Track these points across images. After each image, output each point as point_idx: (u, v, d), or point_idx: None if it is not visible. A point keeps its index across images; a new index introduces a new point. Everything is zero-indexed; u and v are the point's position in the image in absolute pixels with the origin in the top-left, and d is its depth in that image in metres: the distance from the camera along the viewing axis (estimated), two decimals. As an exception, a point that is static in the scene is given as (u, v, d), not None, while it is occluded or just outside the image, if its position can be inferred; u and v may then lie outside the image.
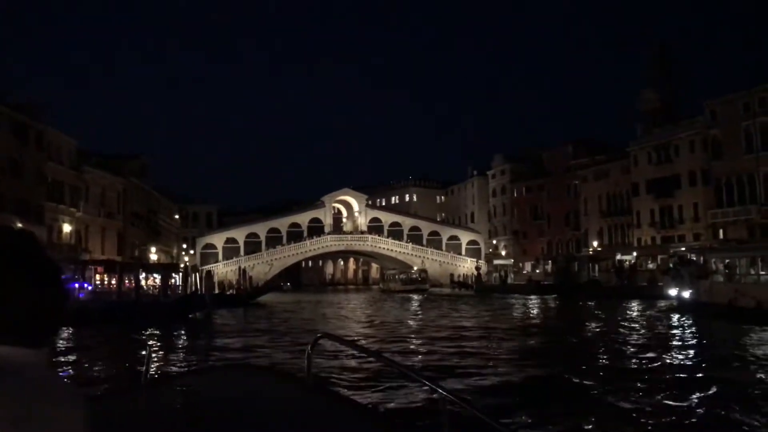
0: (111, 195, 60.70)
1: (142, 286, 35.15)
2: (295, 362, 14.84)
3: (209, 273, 43.55)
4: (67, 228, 50.87)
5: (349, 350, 13.67)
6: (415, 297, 59.26)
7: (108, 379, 13.84)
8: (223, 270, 77.24)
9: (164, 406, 2.44)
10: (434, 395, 2.45)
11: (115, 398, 3.01)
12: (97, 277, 37.31)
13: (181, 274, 43.02)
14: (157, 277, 37.99)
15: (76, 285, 33.08)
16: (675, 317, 30.56)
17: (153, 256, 57.67)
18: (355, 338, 21.75)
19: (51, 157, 48.98)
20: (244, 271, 59.56)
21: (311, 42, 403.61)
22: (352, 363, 14.53)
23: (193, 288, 51.92)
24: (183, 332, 25.19)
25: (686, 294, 32.66)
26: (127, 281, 40.56)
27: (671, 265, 40.22)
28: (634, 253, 45.18)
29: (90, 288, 33.42)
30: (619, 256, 46.29)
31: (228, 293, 50.23)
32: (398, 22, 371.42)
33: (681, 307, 32.66)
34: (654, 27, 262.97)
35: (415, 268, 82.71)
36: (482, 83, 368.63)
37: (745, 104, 54.90)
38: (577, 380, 13.63)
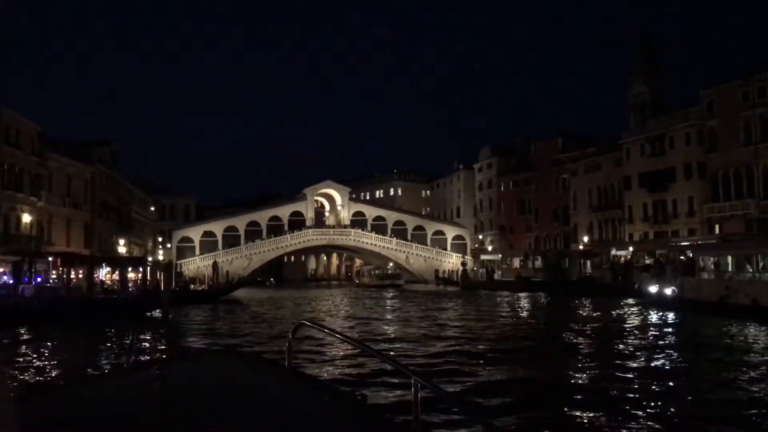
0: (78, 184, 57.36)
1: (100, 282, 32.28)
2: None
3: (169, 265, 40.40)
4: (26, 218, 47.55)
5: (328, 340, 14.81)
6: (390, 293, 58.69)
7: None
8: (200, 264, 74.50)
9: (143, 390, 2.43)
10: (408, 380, 2.47)
11: (96, 382, 2.99)
12: (56, 271, 34.44)
13: (148, 268, 40.13)
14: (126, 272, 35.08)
15: (27, 279, 30.14)
16: (669, 314, 29.80)
17: (121, 249, 54.46)
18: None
19: (8, 141, 45.67)
20: (216, 264, 56.31)
21: (293, 29, 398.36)
22: (332, 352, 15.03)
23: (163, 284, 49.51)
24: (112, 332, 21.80)
25: (668, 291, 32.41)
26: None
27: (648, 262, 39.57)
28: (630, 249, 42.65)
29: (38, 283, 30.32)
30: (614, 252, 43.81)
31: (200, 289, 47.39)
32: (381, 11, 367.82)
33: (663, 304, 32.28)
34: (642, 17, 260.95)
35: (390, 264, 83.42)
36: (468, 76, 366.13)
37: (744, 93, 52.58)
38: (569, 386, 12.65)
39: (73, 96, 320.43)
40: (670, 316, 29.48)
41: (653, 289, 34.72)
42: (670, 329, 24.40)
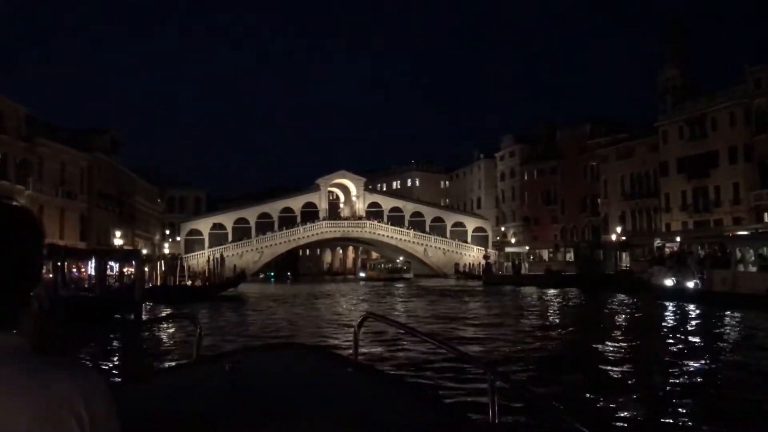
0: (73, 172, 53.60)
1: (72, 278, 28.37)
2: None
3: (136, 254, 36.16)
4: (12, 208, 43.77)
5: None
6: (399, 285, 58.78)
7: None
8: (216, 258, 70.82)
9: (214, 382, 2.44)
10: (483, 376, 2.45)
11: (165, 375, 3.08)
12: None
13: (142, 261, 36.19)
14: (116, 266, 31.28)
15: None
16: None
17: (117, 242, 50.68)
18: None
19: (-9, 124, 41.98)
20: (220, 259, 52.15)
21: (310, 20, 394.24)
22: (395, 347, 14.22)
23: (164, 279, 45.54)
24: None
25: (690, 284, 31.16)
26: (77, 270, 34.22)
27: (666, 255, 37.82)
28: (678, 239, 38.08)
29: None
30: (657, 242, 39.33)
31: (197, 285, 43.51)
32: (399, 1, 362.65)
33: (683, 297, 30.83)
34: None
35: (401, 258, 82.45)
36: (491, 63, 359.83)
37: (798, 68, 47.67)
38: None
39: (80, 87, 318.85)
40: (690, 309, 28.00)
41: (669, 282, 32.95)
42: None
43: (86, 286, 30.62)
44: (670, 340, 18.66)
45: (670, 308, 29.37)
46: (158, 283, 41.72)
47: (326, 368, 2.79)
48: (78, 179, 54.37)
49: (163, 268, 43.75)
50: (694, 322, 24.39)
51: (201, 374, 2.66)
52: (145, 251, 56.59)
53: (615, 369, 13.49)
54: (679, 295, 31.64)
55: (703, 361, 14.39)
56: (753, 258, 29.83)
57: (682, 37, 64.97)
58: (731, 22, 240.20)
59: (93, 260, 30.44)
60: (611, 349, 16.54)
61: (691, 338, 19.29)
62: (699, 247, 34.68)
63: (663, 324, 23.60)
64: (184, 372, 2.86)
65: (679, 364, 14.03)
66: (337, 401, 2.41)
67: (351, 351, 3.08)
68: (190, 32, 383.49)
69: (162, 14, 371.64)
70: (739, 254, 30.52)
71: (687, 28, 68.34)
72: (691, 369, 13.43)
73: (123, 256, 35.46)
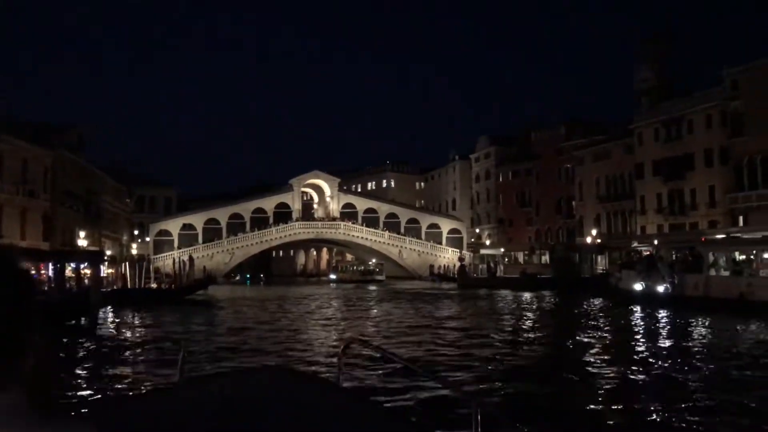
0: (35, 170, 51.52)
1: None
2: None
3: (96, 255, 34.66)
4: (-34, 208, 41.94)
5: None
6: (372, 287, 58.52)
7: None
8: (183, 260, 68.99)
9: (197, 407, 2.42)
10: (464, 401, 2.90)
11: (149, 399, 3.00)
12: None
13: (106, 263, 34.79)
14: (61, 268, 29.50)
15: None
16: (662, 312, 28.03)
17: (82, 242, 48.89)
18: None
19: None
20: (184, 260, 50.41)
21: (281, 16, 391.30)
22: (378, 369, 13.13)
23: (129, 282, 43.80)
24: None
25: (660, 288, 31.10)
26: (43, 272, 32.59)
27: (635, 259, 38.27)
28: (655, 242, 37.59)
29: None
30: (635, 245, 38.84)
31: (164, 288, 42.01)
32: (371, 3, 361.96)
33: (653, 302, 30.56)
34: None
35: (374, 260, 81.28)
36: (466, 64, 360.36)
37: (774, 71, 47.41)
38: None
39: (49, 83, 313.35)
40: (662, 314, 27.82)
41: (639, 286, 32.73)
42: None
43: (46, 289, 29.16)
44: (637, 348, 18.32)
45: (638, 314, 29.08)
46: (123, 286, 40.10)
47: (310, 394, 2.75)
48: (41, 177, 52.34)
49: (127, 270, 42.02)
50: (662, 329, 24.08)
51: (183, 400, 2.57)
52: (109, 252, 54.90)
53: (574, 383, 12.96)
54: (649, 299, 31.41)
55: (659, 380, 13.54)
56: (724, 263, 30.03)
57: (661, 38, 64.71)
58: (711, 24, 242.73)
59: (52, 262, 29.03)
60: (576, 359, 15.91)
61: (654, 346, 18.86)
62: (673, 252, 34.34)
63: (629, 331, 22.95)
64: (164, 397, 2.77)
65: (634, 378, 13.51)
66: (319, 426, 2.38)
67: (334, 374, 2.97)
68: (161, 31, 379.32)
69: (127, 15, 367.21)
70: (711, 258, 30.60)
71: (665, 29, 68.39)
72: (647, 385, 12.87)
73: (84, 257, 33.89)
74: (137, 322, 24.75)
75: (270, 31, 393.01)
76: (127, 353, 16.09)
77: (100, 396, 11.01)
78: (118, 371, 14.01)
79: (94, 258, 35.72)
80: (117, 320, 25.83)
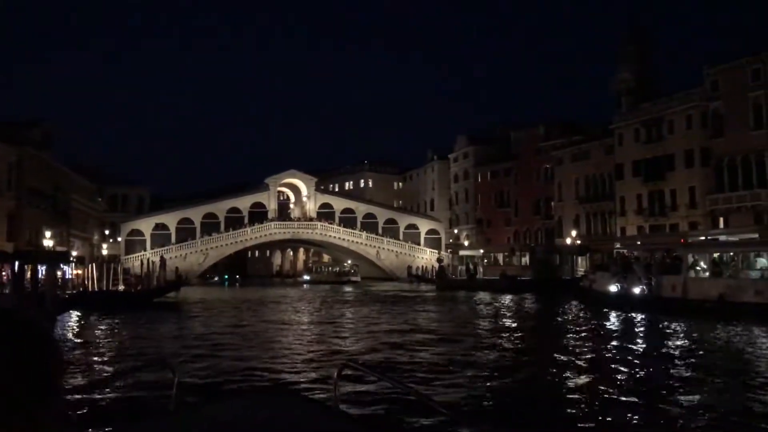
0: (-1, 168, 49.79)
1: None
2: None
3: (62, 255, 33.13)
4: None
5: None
6: (348, 289, 57.72)
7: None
8: (152, 260, 67.24)
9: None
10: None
11: (142, 426, 2.91)
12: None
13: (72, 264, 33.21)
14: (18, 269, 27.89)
15: None
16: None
17: (48, 242, 47.17)
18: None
19: None
20: (155, 261, 48.90)
21: (259, 11, 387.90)
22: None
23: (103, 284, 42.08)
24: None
25: (636, 290, 30.69)
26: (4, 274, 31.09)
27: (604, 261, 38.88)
28: (638, 243, 36.99)
29: None
30: (617, 247, 38.17)
31: (133, 291, 40.48)
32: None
33: (628, 305, 30.01)
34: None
35: (349, 261, 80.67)
36: (444, 63, 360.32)
37: (754, 72, 47.12)
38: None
39: (18, 80, 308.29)
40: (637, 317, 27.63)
41: (614, 288, 32.10)
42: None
43: (6, 292, 27.65)
44: (606, 355, 17.80)
45: (612, 317, 28.43)
46: (90, 288, 38.48)
47: (307, 418, 2.72)
48: (5, 175, 50.53)
49: (93, 272, 40.41)
50: (636, 332, 23.66)
51: (179, 428, 2.53)
52: (75, 252, 53.16)
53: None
54: (624, 302, 30.86)
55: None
56: (704, 265, 29.51)
57: (640, 38, 64.31)
58: (691, 24, 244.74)
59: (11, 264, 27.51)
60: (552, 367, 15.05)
61: (624, 349, 18.40)
62: (650, 253, 33.63)
63: (601, 336, 22.19)
64: (160, 424, 2.72)
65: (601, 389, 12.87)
66: None
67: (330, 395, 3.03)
68: (125, 30, 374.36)
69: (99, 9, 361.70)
70: (691, 259, 30.22)
71: (645, 29, 67.96)
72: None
73: (48, 258, 32.32)
74: (97, 332, 23.01)
75: (240, 27, 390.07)
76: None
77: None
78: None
79: (59, 259, 34.22)
80: (75, 328, 24.09)
